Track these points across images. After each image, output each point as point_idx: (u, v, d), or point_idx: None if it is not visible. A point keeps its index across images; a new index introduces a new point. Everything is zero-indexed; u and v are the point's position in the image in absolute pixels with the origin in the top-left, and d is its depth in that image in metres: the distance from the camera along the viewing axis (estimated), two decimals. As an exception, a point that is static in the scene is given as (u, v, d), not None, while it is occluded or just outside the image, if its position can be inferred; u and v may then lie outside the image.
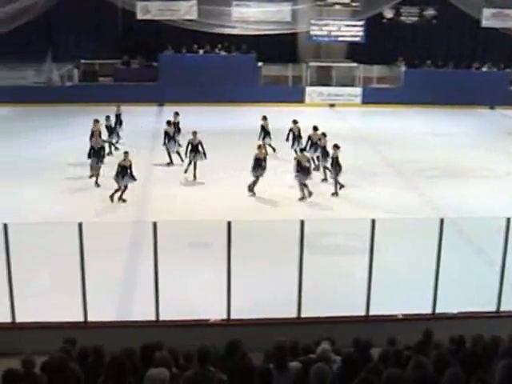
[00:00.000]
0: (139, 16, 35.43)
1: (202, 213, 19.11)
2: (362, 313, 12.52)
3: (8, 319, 12.10)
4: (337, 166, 21.75)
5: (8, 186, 21.72)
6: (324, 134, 23.46)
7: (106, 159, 22.95)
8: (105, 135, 25.05)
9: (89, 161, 22.41)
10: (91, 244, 12.15)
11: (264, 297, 14.21)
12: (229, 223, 11.76)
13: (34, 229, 16.06)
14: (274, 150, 26.21)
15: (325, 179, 22.92)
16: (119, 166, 20.46)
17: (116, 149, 25.77)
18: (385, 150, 27.70)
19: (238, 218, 12.25)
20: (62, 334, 9.87)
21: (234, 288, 12.17)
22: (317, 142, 23.63)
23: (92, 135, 23.62)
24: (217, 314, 12.56)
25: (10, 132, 28.35)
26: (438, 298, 12.52)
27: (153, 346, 8.36)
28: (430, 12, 37.90)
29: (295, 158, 21.51)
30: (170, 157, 24.78)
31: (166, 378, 7.33)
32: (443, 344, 9.18)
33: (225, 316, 12.37)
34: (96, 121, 24.50)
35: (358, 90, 37.33)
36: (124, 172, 20.42)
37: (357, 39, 37.31)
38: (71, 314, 12.24)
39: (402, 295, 14.03)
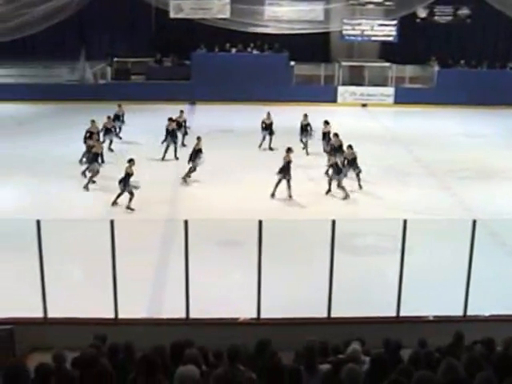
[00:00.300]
0: (172, 15, 35.55)
1: (232, 211, 19.13)
2: (393, 314, 12.46)
3: (40, 315, 12.22)
4: (355, 166, 22.07)
5: (36, 181, 22.03)
6: (336, 134, 23.98)
7: (111, 158, 23.05)
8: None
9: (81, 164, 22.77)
10: (122, 242, 12.22)
11: (294, 296, 14.21)
12: (260, 222, 11.75)
13: (67, 226, 16.23)
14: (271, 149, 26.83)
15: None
16: (127, 173, 20.09)
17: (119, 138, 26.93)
18: (417, 150, 27.51)
19: (266, 217, 12.21)
20: (93, 330, 9.96)
21: (264, 287, 12.17)
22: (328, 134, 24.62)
23: (90, 137, 23.74)
24: (247, 312, 12.58)
25: (41, 129, 28.58)
26: (469, 300, 12.42)
27: (183, 343, 8.38)
28: (465, 11, 37.45)
29: (332, 163, 21.55)
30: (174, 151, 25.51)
31: (195, 375, 7.34)
32: (474, 347, 9.10)
33: (255, 315, 12.37)
34: (93, 121, 24.72)
35: (390, 90, 37.08)
36: (127, 179, 20.02)
37: (390, 39, 37.06)
38: (102, 310, 12.34)
39: (433, 296, 13.93)
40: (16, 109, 33.12)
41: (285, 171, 21.09)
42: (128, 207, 19.89)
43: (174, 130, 25.61)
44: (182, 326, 12.20)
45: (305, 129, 26.44)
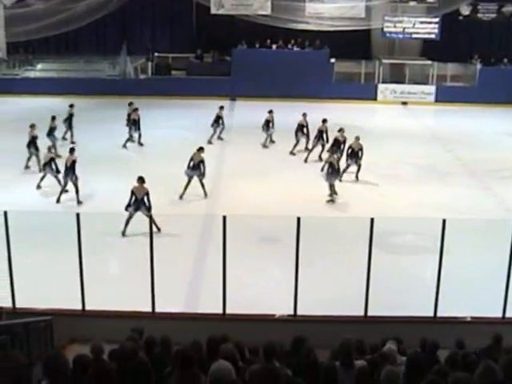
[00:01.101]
0: (213, 11, 35.65)
1: (269, 208, 19.10)
2: (430, 314, 12.37)
3: (79, 307, 12.36)
4: (359, 157, 22.19)
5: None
6: (341, 129, 23.99)
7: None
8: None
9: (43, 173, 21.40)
10: (161, 236, 12.30)
11: (330, 294, 14.16)
12: (298, 219, 11.75)
13: (104, 219, 16.36)
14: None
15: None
16: (146, 193, 17.20)
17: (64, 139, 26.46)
18: (457, 149, 27.23)
19: (302, 214, 12.18)
20: (130, 323, 10.03)
21: (301, 284, 12.16)
22: (321, 131, 24.68)
23: (33, 141, 22.67)
24: (283, 309, 12.58)
25: (82, 122, 28.62)
26: (508, 302, 12.28)
27: (219, 338, 8.40)
28: (509, 8, 36.80)
29: (327, 162, 21.59)
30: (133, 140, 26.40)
31: (231, 371, 7.36)
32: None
33: (291, 312, 12.37)
34: (32, 126, 23.01)
35: (431, 88, 36.70)
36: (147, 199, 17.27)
37: (431, 36, 36.64)
38: (139, 304, 12.43)
39: (471, 297, 13.79)
40: (57, 103, 33.46)
41: (329, 173, 20.52)
42: (158, 228, 16.03)
43: (139, 119, 26.17)
44: (219, 321, 12.25)
45: (268, 124, 26.63)
